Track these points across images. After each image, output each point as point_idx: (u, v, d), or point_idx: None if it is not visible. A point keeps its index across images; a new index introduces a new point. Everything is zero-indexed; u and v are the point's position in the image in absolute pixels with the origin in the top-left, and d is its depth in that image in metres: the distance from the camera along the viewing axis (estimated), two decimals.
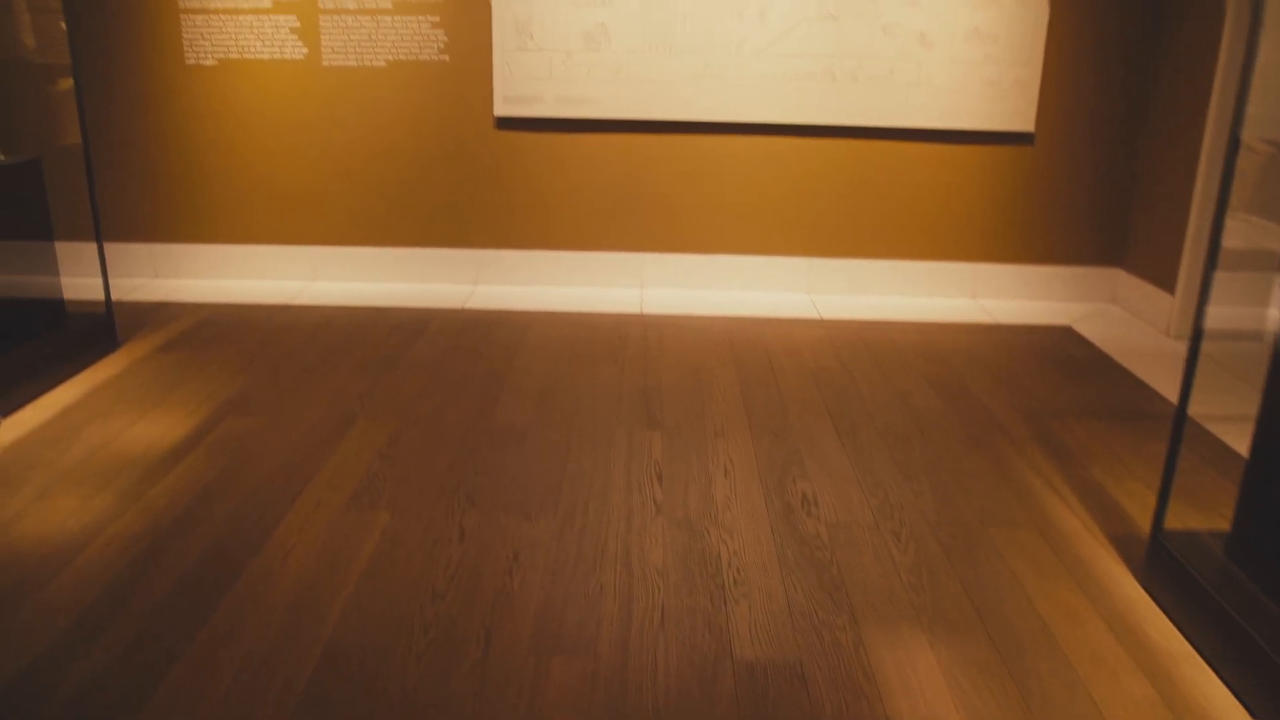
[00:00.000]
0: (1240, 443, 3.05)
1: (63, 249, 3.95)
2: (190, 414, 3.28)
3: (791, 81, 4.45)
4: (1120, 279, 4.72)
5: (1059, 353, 4.03)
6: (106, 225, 4.78)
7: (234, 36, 4.60)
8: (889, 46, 4.39)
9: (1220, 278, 2.12)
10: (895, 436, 3.19)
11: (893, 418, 3.34)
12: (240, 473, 2.86)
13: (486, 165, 4.70)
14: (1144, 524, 2.63)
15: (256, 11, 4.56)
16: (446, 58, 4.56)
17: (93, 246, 3.94)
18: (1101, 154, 4.61)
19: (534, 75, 4.49)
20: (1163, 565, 2.26)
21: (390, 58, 4.58)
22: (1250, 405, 2.13)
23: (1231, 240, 2.11)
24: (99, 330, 3.86)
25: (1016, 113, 4.46)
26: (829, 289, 4.79)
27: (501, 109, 4.56)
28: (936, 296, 4.78)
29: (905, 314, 4.52)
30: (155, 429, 3.15)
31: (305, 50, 4.59)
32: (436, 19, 4.51)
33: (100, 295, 3.96)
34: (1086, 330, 4.34)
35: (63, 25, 3.87)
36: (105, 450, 2.98)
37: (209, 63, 4.65)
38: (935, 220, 4.70)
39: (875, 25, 4.37)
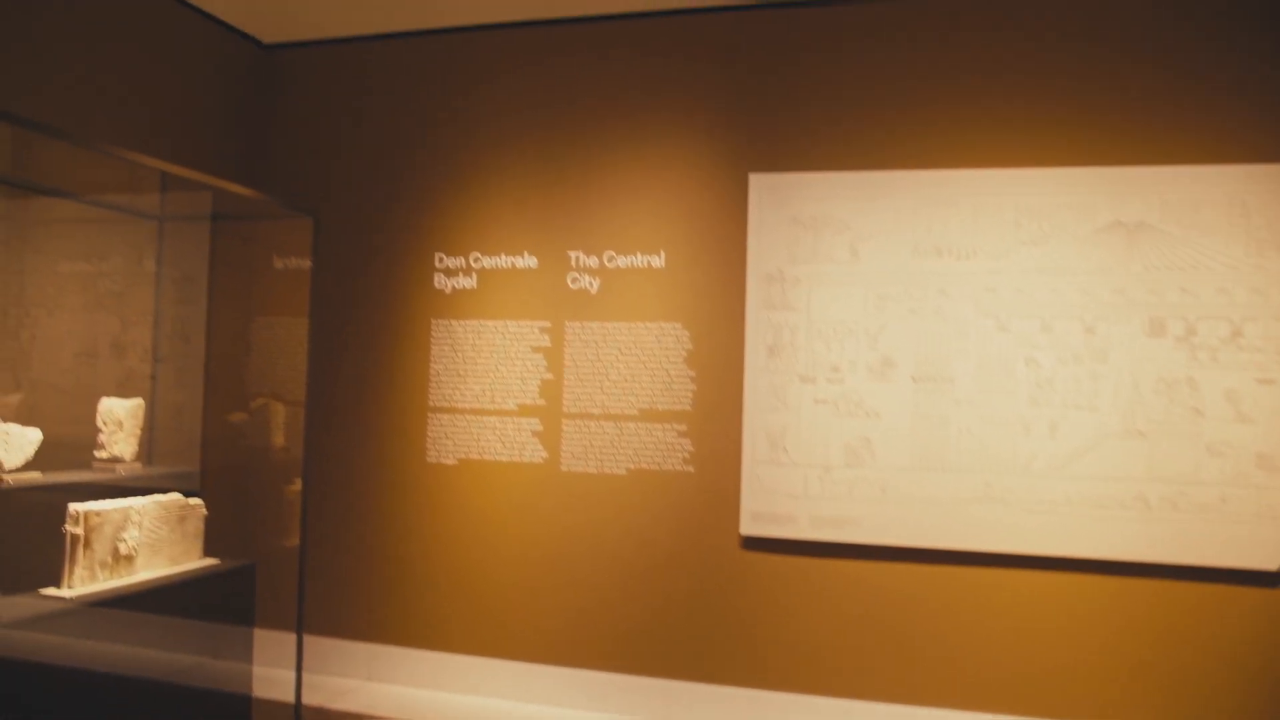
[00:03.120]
0: None
1: (264, 636, 3.67)
2: None
3: (1093, 508, 3.77)
4: None
5: None
6: (317, 620, 4.51)
7: (476, 437, 4.48)
8: (1217, 469, 3.68)
9: None
10: None
11: None
12: None
13: (731, 589, 4.16)
14: None
15: (501, 413, 4.45)
16: (691, 469, 4.21)
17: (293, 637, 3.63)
18: None
19: (787, 491, 4.04)
20: None
21: (632, 466, 4.28)
22: None
23: None
24: None
25: None
26: None
27: (749, 527, 4.09)
28: None
29: None
30: None
31: (545, 454, 4.38)
32: (683, 428, 4.23)
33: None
34: None
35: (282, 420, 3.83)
36: None
37: (449, 462, 4.51)
38: None
39: (1197, 444, 3.70)
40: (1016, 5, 3.99)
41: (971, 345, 3.93)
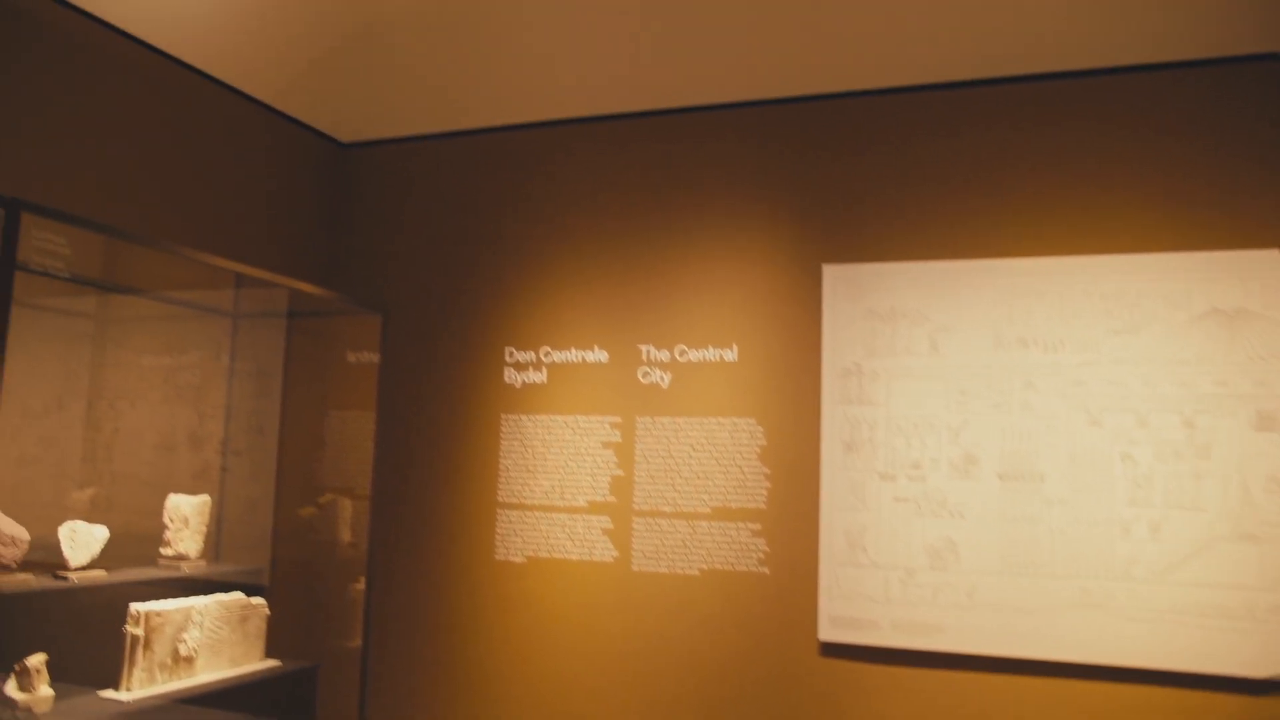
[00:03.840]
0: None
1: None
2: None
3: (1200, 618, 3.49)
4: None
5: None
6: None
7: (545, 534, 4.38)
8: None
9: None
10: None
11: None
12: None
13: (808, 697, 3.93)
14: None
15: (571, 510, 4.35)
16: (766, 570, 4.04)
17: None
18: None
19: (868, 595, 3.84)
20: None
21: (704, 566, 4.12)
22: None
23: None
24: None
25: None
26: None
27: (828, 633, 3.88)
28: None
29: None
30: None
31: (615, 553, 4.26)
32: (757, 526, 4.07)
33: None
34: None
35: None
36: None
37: (518, 559, 4.42)
38: None
39: None
40: (1099, 91, 3.89)
41: (1061, 441, 3.72)
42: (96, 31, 3.66)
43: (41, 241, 2.60)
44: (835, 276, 4.09)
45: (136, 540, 3.50)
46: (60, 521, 3.18)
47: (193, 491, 3.63)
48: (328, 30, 4.08)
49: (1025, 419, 3.78)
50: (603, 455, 4.36)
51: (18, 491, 3.44)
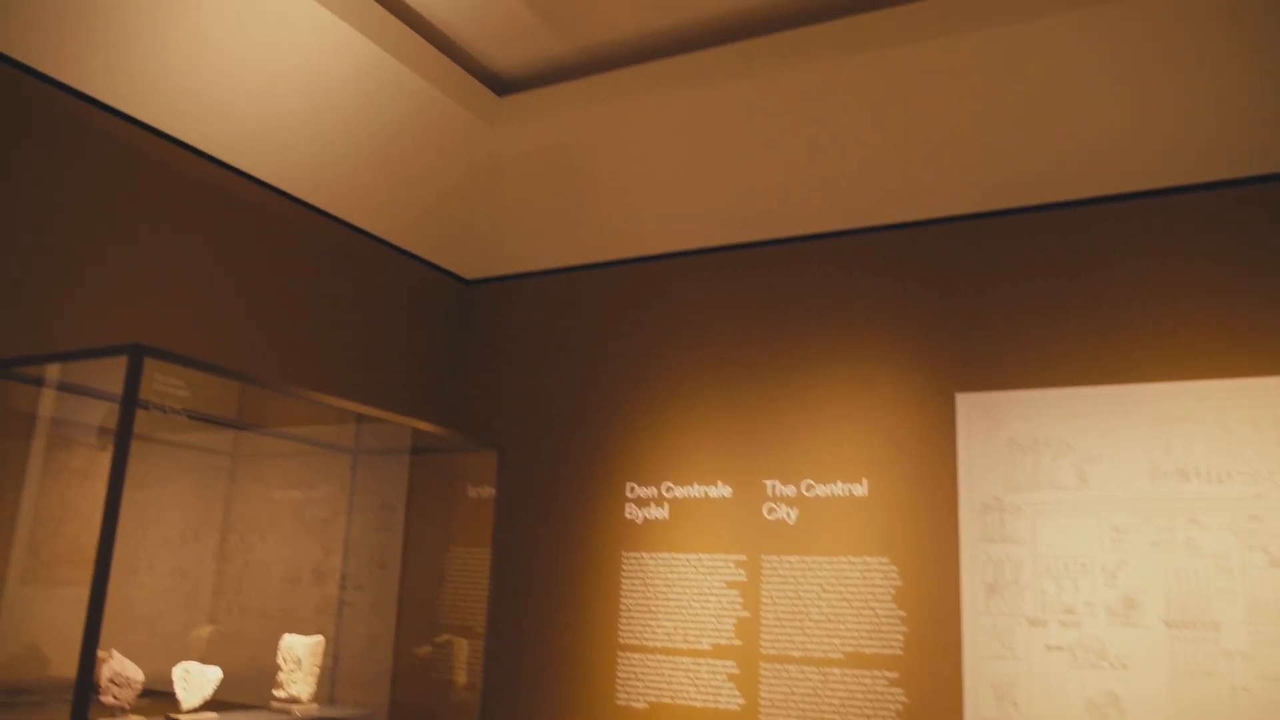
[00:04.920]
0: None
1: None
2: None
3: None
4: None
5: None
6: None
7: (668, 679, 4.18)
8: None
9: None
10: None
11: None
12: None
13: None
14: None
15: (695, 654, 4.15)
16: None
17: None
18: None
19: None
20: None
21: (837, 717, 3.83)
22: None
23: None
24: None
25: None
26: None
27: None
28: None
29: None
30: None
31: (742, 700, 4.01)
32: (895, 675, 3.77)
33: None
34: None
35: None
36: None
37: (639, 705, 4.22)
38: None
39: None
40: (1257, 201, 3.65)
41: (1238, 584, 3.35)
42: (230, 179, 3.89)
43: (164, 384, 2.68)
44: (970, 405, 3.88)
45: (257, 676, 3.48)
46: (185, 655, 3.18)
47: (315, 626, 3.62)
48: (451, 169, 4.23)
49: (1192, 559, 3.42)
50: (727, 595, 4.17)
51: (154, 623, 3.49)
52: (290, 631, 3.53)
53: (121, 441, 2.33)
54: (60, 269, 3.26)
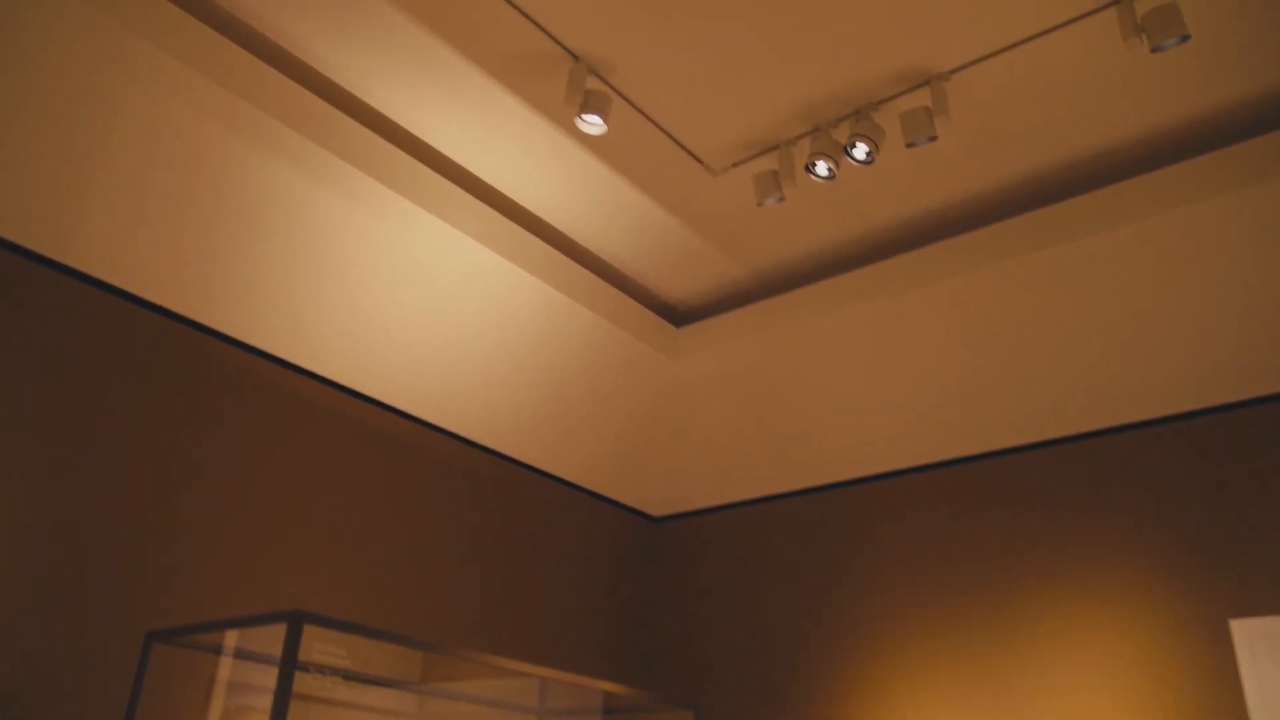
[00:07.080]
0: None
1: None
2: None
3: None
4: None
5: None
6: None
7: None
8: None
9: None
10: None
11: None
12: None
13: None
14: None
15: None
16: None
17: None
18: None
19: None
20: None
21: None
22: None
23: None
24: None
25: None
26: None
27: None
28: None
29: None
30: None
31: None
32: None
33: None
34: None
35: None
36: None
37: None
38: None
39: None
40: None
41: None
42: (410, 429, 3.89)
43: (325, 653, 2.54)
44: (1251, 633, 3.18)
45: None
46: None
47: None
48: (634, 405, 4.09)
49: None
50: None
51: None
52: None
53: (280, 704, 2.25)
54: (245, 529, 3.27)
